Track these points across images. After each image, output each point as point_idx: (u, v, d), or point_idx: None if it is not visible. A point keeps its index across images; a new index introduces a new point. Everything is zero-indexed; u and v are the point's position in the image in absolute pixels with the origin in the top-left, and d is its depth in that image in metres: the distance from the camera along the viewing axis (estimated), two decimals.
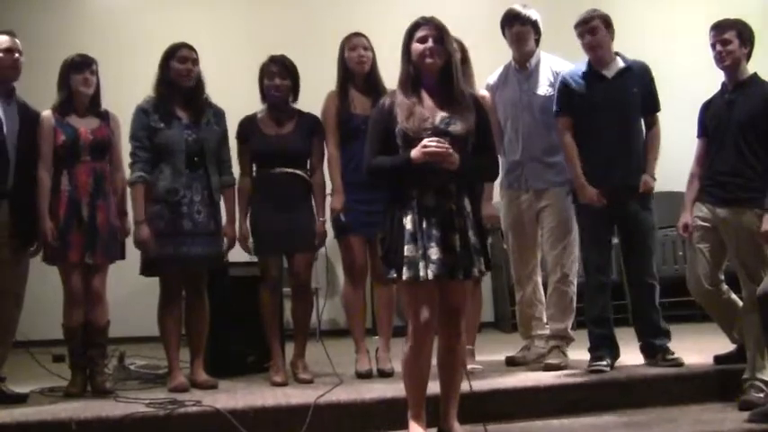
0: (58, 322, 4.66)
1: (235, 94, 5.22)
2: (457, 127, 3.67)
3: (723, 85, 4.67)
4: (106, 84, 4.88)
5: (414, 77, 3.74)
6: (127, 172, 4.81)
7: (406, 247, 3.60)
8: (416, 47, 3.72)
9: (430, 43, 3.69)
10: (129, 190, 4.80)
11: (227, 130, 4.96)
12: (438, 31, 3.72)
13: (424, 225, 3.61)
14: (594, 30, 4.87)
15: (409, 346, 3.74)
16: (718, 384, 4.56)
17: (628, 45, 5.09)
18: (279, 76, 4.94)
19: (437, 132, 3.64)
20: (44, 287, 4.92)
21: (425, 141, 3.58)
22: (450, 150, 3.58)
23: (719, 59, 4.56)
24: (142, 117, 4.77)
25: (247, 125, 5.01)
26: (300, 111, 5.06)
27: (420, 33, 3.72)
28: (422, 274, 3.57)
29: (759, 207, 4.36)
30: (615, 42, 4.94)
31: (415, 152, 3.60)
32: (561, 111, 4.95)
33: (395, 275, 3.65)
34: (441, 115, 3.67)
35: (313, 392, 4.29)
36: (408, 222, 3.62)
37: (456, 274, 3.63)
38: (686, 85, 5.00)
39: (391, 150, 3.72)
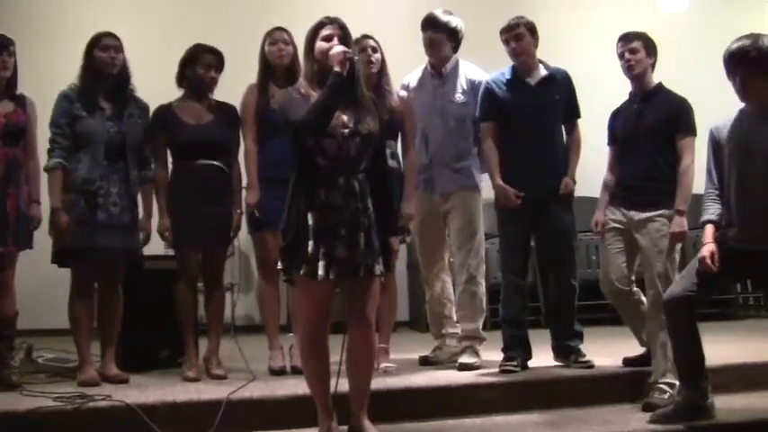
0: None
1: (155, 84, 5.13)
2: (364, 126, 3.70)
3: (631, 94, 4.80)
4: (27, 70, 4.77)
5: (318, 75, 3.74)
6: (42, 159, 4.70)
7: (309, 243, 3.59)
8: (321, 45, 3.75)
9: (335, 42, 3.72)
10: (44, 177, 4.68)
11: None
12: (342, 32, 3.77)
13: (330, 223, 3.61)
14: (520, 36, 4.94)
15: (303, 346, 3.82)
16: (626, 386, 4.65)
17: (549, 51, 5.16)
18: (215, 69, 4.93)
19: (351, 130, 3.67)
20: None
21: (332, 53, 3.64)
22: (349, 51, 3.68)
23: (628, 68, 4.69)
24: (65, 104, 4.68)
25: (165, 114, 4.92)
26: (218, 101, 5.02)
27: (325, 32, 3.76)
28: (320, 273, 3.56)
29: (669, 209, 4.51)
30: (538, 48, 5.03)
31: (336, 67, 3.62)
32: (484, 117, 5.02)
33: (291, 276, 3.68)
34: (348, 114, 3.69)
35: (226, 388, 4.26)
36: (311, 219, 3.61)
37: (359, 273, 3.64)
38: (606, 91, 5.09)
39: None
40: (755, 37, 3.96)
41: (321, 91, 3.66)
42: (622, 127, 4.75)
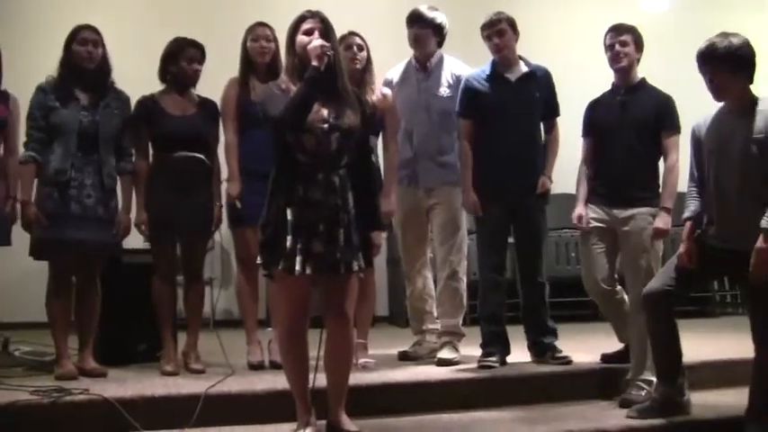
0: None
1: (133, 77, 5.11)
2: (344, 121, 3.68)
3: (614, 86, 4.78)
4: (20, 68, 4.74)
5: (299, 69, 3.73)
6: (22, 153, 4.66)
7: (287, 239, 3.59)
8: (302, 39, 3.73)
9: (315, 36, 3.70)
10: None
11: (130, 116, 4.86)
12: (323, 25, 3.75)
13: (309, 219, 3.61)
14: (502, 32, 4.94)
15: (282, 341, 3.82)
16: (603, 382, 4.68)
17: (530, 49, 5.17)
18: (198, 63, 4.91)
19: (331, 124, 3.65)
20: None
21: (310, 47, 3.63)
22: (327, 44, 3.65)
23: (616, 60, 4.67)
24: (40, 96, 4.64)
25: (149, 104, 4.88)
26: (199, 95, 5.00)
27: (306, 26, 3.74)
28: (297, 268, 3.56)
29: (653, 206, 4.53)
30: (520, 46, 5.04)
31: (313, 61, 3.62)
32: (463, 113, 5.02)
33: (270, 271, 3.68)
34: (329, 108, 3.68)
35: (204, 382, 4.25)
36: (290, 214, 3.61)
37: (338, 269, 3.64)
38: (586, 89, 5.11)
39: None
40: (725, 35, 3.99)
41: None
42: (604, 119, 4.72)
